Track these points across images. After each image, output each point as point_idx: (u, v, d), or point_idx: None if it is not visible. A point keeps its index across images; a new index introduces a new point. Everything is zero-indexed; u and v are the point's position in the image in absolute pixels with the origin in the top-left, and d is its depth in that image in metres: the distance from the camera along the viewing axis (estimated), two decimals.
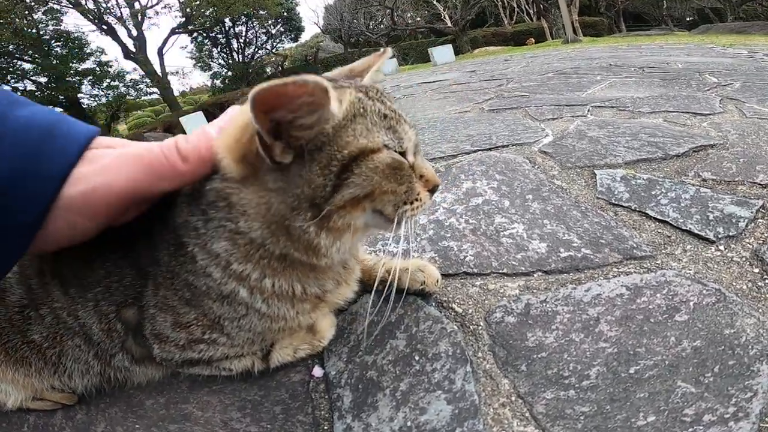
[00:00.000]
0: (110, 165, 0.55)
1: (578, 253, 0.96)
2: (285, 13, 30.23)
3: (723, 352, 0.69)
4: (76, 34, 20.77)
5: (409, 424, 0.68)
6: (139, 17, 21.22)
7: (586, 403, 0.66)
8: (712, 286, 0.81)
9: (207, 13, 23.71)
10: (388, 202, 0.65)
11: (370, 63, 0.75)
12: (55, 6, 19.53)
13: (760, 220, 0.97)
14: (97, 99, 22.25)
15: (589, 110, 2.07)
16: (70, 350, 0.81)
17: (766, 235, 0.93)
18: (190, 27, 24.66)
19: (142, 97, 25.27)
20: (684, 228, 0.97)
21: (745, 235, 0.94)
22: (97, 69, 21.62)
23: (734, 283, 0.83)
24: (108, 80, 22.00)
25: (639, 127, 1.63)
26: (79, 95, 21.07)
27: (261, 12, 26.53)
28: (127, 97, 23.35)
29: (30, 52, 18.76)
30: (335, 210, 0.61)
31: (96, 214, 0.56)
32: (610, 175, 1.22)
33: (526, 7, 26.55)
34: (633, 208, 1.07)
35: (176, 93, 25.86)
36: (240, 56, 30.17)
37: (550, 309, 0.83)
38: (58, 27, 20.10)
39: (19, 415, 0.84)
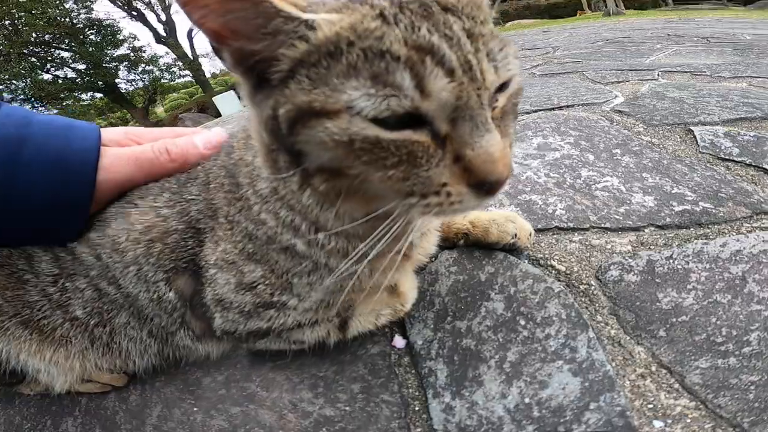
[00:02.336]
0: (111, 164, 0.64)
1: (696, 207, 0.81)
2: None
3: None
4: (108, 21, 20.92)
5: (527, 401, 0.55)
6: (167, 2, 21.14)
7: (754, 371, 0.53)
8: None
9: None
10: (379, 187, 0.45)
11: None
12: None
13: None
14: (134, 84, 22.48)
15: (659, 74, 1.90)
16: (121, 329, 0.69)
17: None
18: None
19: (176, 80, 25.25)
20: None
21: None
22: (132, 54, 21.75)
23: None
24: (143, 65, 22.12)
25: (725, 90, 1.46)
26: (117, 80, 21.37)
27: None
28: (162, 80, 23.34)
29: (66, 40, 18.91)
30: (313, 172, 0.47)
31: (97, 204, 0.65)
32: (711, 131, 1.06)
33: None
34: (747, 162, 0.92)
35: (207, 75, 25.63)
36: None
37: (680, 266, 0.69)
38: (90, 15, 20.26)
39: (71, 398, 0.74)
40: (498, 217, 0.78)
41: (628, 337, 0.61)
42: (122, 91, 21.41)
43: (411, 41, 0.40)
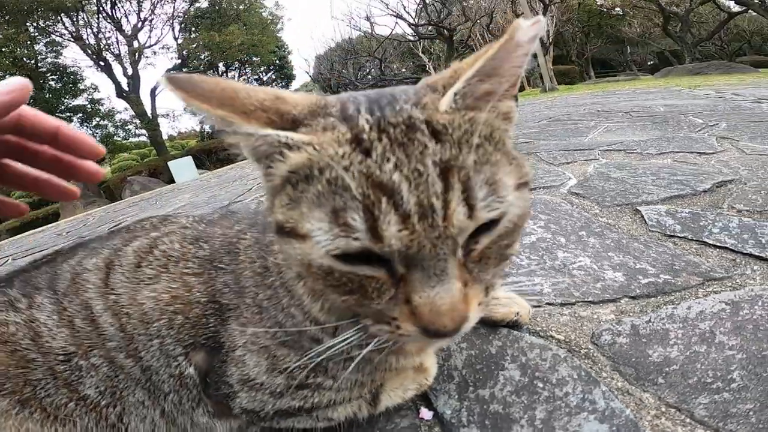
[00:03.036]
0: None
1: (658, 278, 0.95)
2: (277, 61, 30.55)
3: None
4: (72, 69, 20.31)
5: None
6: (137, 56, 21.01)
7: (747, 401, 0.62)
8: None
9: (203, 56, 23.87)
10: (350, 306, 0.46)
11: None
12: (57, 38, 19.25)
13: None
14: None
15: (599, 153, 2.20)
16: (132, 408, 0.67)
17: None
18: (184, 69, 24.66)
19: (130, 139, 24.23)
20: (745, 252, 1.01)
21: None
22: (89, 106, 20.93)
23: None
24: (97, 119, 21.21)
25: (656, 168, 1.74)
26: None
27: (254, 59, 26.91)
28: (115, 137, 22.29)
29: None
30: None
31: None
32: (654, 211, 1.27)
33: None
34: (689, 237, 1.10)
35: (164, 136, 24.61)
36: None
37: (659, 327, 0.80)
38: (57, 60, 19.63)
39: None
40: (501, 297, 0.88)
41: (634, 387, 0.69)
42: None
43: (372, 178, 0.38)
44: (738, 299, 0.84)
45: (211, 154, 17.43)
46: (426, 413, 0.72)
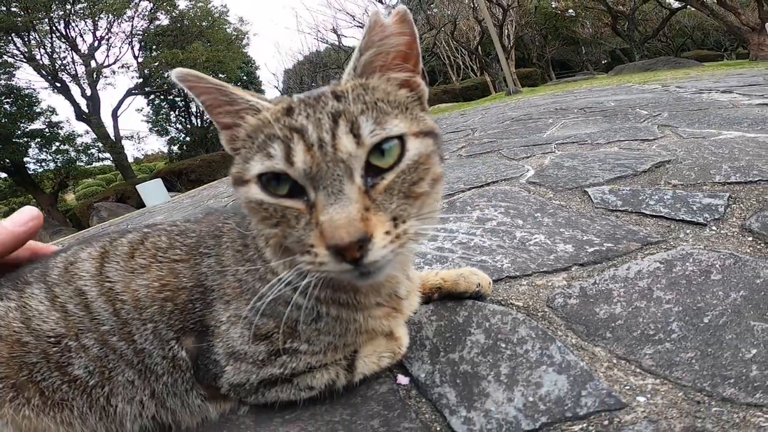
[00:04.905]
0: None
1: (602, 247, 1.06)
2: (244, 77, 30.04)
3: (766, 295, 0.79)
4: (27, 91, 18.89)
5: (531, 399, 0.68)
6: (95, 76, 19.91)
7: (688, 350, 0.71)
8: (725, 252, 0.94)
9: (165, 74, 22.44)
10: (282, 240, 0.59)
11: None
12: (9, 59, 18.07)
13: (733, 206, 1.16)
14: (44, 164, 19.52)
15: (555, 147, 2.35)
16: (122, 387, 0.71)
17: (742, 214, 1.11)
18: (147, 88, 23.56)
19: (93, 164, 22.70)
20: (677, 218, 1.13)
21: (727, 216, 1.11)
22: (47, 130, 19.33)
23: (739, 249, 0.96)
24: (57, 143, 19.59)
25: (603, 155, 1.89)
26: (26, 159, 18.49)
27: (220, 75, 25.82)
28: (78, 162, 20.71)
29: None
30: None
31: None
32: (599, 191, 1.39)
33: (471, 63, 29.26)
34: (630, 210, 1.22)
35: (130, 159, 23.41)
36: (199, 120, 28.37)
37: (603, 288, 0.90)
38: (10, 82, 18.32)
39: None
40: (463, 271, 0.96)
41: (586, 343, 0.78)
42: (29, 173, 18.62)
43: (288, 124, 0.55)
44: (671, 258, 0.95)
45: (181, 175, 17.04)
46: (402, 379, 0.79)
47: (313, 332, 0.70)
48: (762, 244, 0.97)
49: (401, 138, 0.57)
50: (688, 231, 1.07)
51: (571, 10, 26.81)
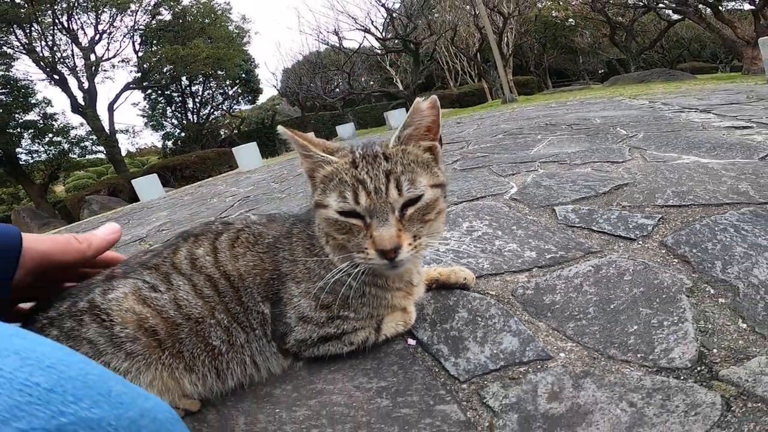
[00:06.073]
0: (36, 239, 0.83)
1: (557, 254, 1.44)
2: (244, 75, 30.11)
3: (658, 292, 1.18)
4: (23, 82, 19.10)
5: (495, 351, 1.06)
6: (94, 69, 20.09)
7: (594, 325, 1.09)
8: (640, 260, 1.33)
9: (165, 70, 23.35)
10: (346, 243, 0.93)
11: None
12: (8, 51, 18.35)
13: (660, 225, 1.54)
14: (35, 156, 19.67)
15: (538, 165, 2.72)
16: (236, 352, 1.00)
17: (665, 233, 1.50)
18: (145, 83, 23.78)
19: (86, 156, 22.80)
20: (615, 234, 1.51)
21: (652, 234, 1.49)
22: (41, 122, 19.47)
23: (652, 259, 1.35)
24: (50, 135, 19.70)
25: (576, 176, 2.27)
26: (18, 150, 18.56)
27: (219, 72, 26.45)
28: (70, 155, 20.85)
29: None
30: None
31: (23, 271, 0.80)
32: (564, 209, 1.78)
33: (468, 69, 29.74)
34: (582, 226, 1.61)
35: (123, 153, 23.38)
36: (195, 116, 28.65)
37: (551, 283, 1.28)
38: (8, 73, 18.57)
39: None
40: (455, 269, 1.34)
41: (534, 319, 1.16)
42: (21, 163, 18.63)
43: (355, 175, 0.87)
44: (600, 263, 1.34)
45: (175, 171, 17.13)
46: (411, 341, 1.17)
47: (359, 304, 1.05)
48: (671, 256, 1.36)
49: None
50: (621, 244, 1.46)
51: (571, 20, 27.27)
